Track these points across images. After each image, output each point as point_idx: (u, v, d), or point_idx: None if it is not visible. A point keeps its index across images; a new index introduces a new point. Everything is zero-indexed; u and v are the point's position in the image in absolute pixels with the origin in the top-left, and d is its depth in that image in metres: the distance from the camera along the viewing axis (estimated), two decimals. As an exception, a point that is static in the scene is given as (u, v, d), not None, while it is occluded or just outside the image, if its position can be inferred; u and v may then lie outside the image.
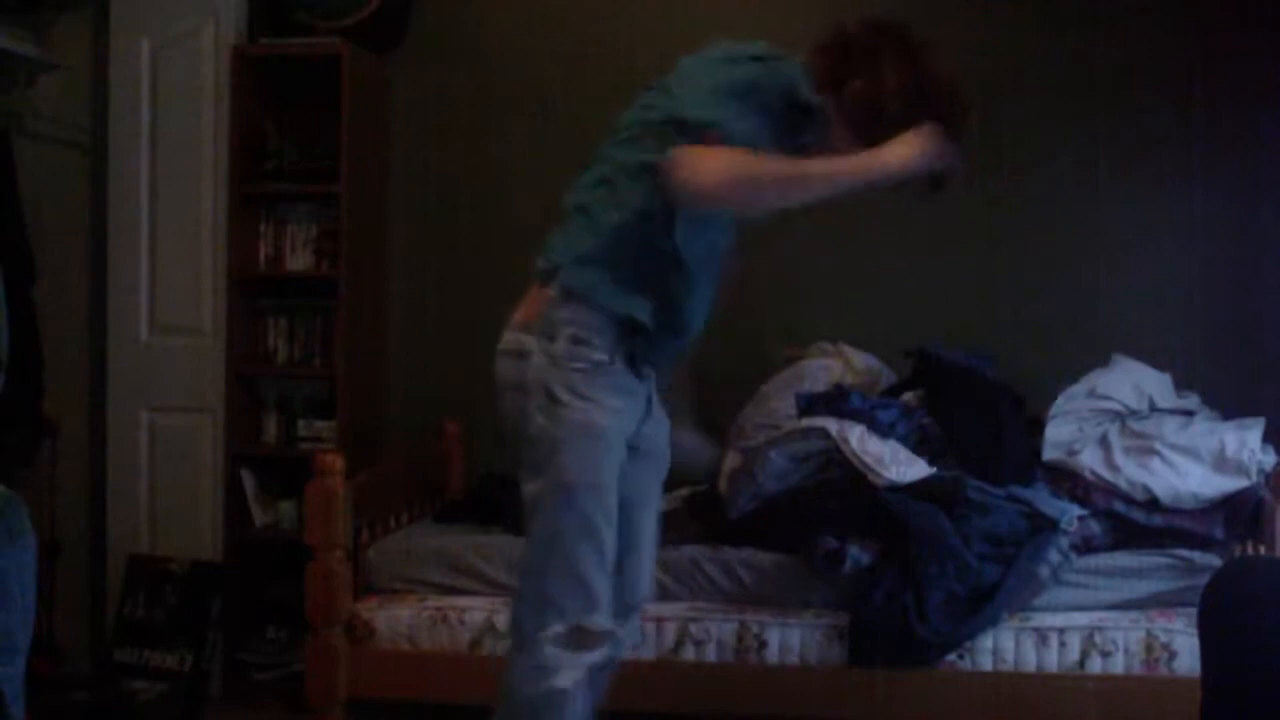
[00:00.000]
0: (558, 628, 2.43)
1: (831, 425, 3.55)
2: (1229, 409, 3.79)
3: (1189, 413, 3.76)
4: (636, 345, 2.50)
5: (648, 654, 3.40)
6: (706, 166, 2.32)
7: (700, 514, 3.72)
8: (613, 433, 2.47)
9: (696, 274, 2.51)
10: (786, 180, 2.39)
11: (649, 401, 2.61)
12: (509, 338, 2.52)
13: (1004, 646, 3.30)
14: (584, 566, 2.43)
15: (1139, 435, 3.62)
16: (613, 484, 2.47)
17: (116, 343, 4.42)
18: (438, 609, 3.53)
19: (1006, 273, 4.31)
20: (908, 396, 3.85)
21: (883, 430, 3.58)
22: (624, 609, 2.58)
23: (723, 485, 3.69)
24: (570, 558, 2.43)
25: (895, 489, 3.43)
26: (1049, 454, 3.66)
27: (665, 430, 2.68)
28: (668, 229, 2.43)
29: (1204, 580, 2.32)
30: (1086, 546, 3.44)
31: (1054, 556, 3.34)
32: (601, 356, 2.46)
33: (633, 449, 2.55)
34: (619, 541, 2.49)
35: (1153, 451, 3.55)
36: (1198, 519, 3.47)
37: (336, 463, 3.48)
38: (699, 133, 2.36)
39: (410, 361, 4.64)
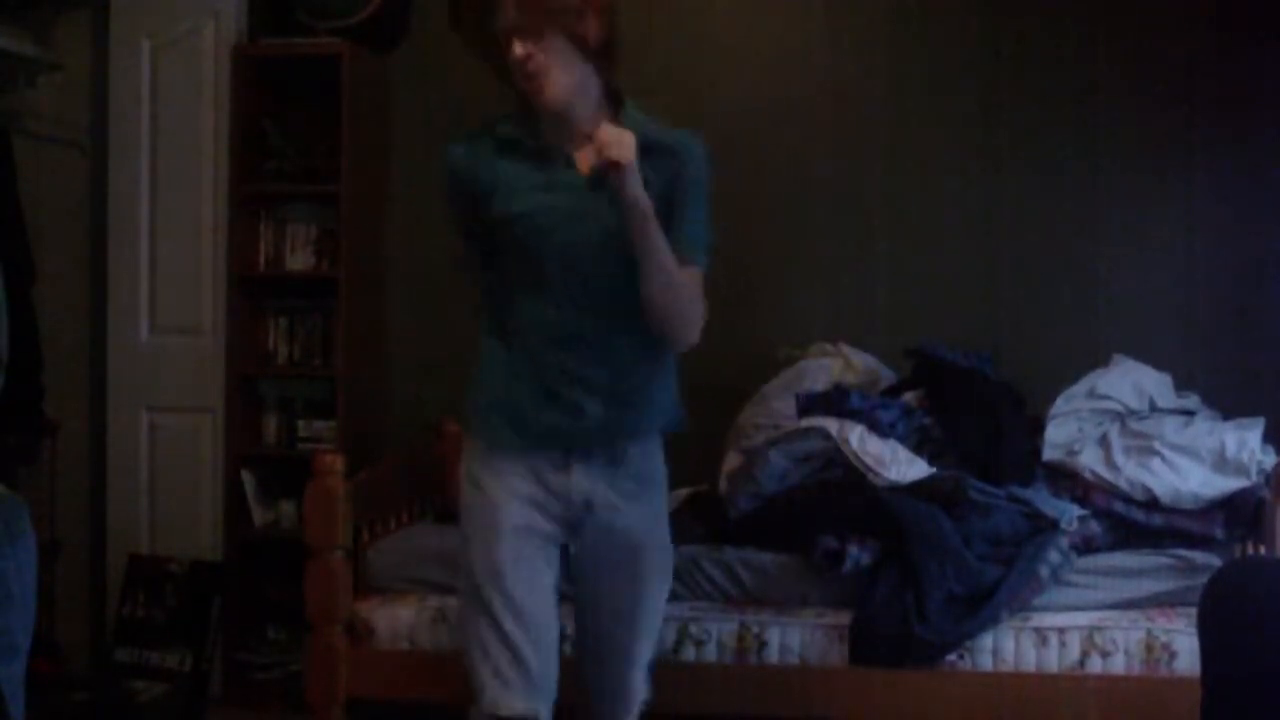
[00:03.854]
0: None
1: (832, 425, 3.55)
2: (1229, 409, 3.78)
3: (1189, 413, 3.76)
4: None
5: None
6: None
7: (700, 514, 3.71)
8: None
9: None
10: None
11: None
12: None
13: (1004, 646, 3.30)
14: None
15: (1139, 435, 3.62)
16: None
17: (116, 343, 4.42)
18: (438, 609, 3.52)
19: (1007, 272, 4.31)
20: (908, 396, 3.84)
21: (883, 430, 3.58)
22: None
23: (723, 485, 3.69)
24: None
25: (895, 489, 3.43)
26: (1049, 454, 3.66)
27: None
28: None
29: (1204, 580, 2.31)
30: (1087, 546, 3.44)
31: (1054, 556, 3.34)
32: None
33: None
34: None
35: (1153, 451, 3.55)
36: (1198, 519, 3.46)
37: (336, 463, 3.48)
38: None
39: (410, 361, 4.64)
